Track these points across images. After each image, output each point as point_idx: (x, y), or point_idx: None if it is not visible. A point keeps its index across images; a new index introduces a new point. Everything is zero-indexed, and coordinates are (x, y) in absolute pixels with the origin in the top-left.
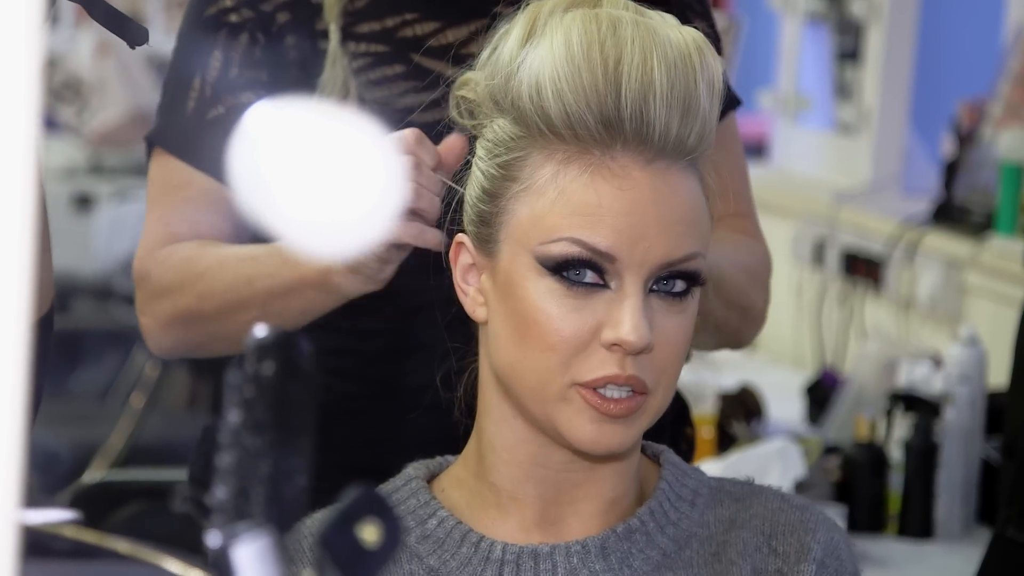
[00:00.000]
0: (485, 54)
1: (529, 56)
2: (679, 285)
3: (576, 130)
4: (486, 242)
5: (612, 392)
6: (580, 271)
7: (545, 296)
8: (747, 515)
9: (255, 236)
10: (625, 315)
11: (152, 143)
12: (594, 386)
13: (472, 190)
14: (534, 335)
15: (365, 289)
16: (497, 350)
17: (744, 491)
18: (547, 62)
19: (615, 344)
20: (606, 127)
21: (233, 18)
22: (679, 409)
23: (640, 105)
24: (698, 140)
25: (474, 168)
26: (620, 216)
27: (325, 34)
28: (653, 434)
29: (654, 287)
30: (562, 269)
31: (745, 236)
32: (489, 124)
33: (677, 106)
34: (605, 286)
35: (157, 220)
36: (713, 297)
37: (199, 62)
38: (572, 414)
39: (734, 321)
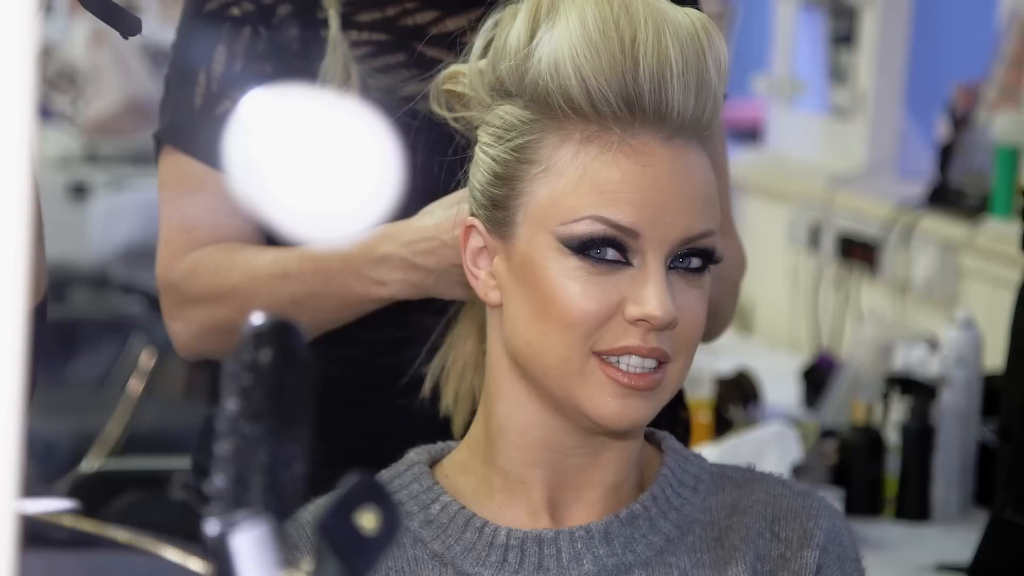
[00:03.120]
0: (478, 46)
1: (545, 37)
2: (695, 262)
3: (597, 107)
4: (500, 225)
5: (635, 367)
6: (602, 249)
7: (568, 275)
8: (749, 501)
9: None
10: (650, 291)
11: (161, 141)
12: (614, 355)
13: (480, 176)
14: (556, 312)
15: (422, 296)
16: (515, 331)
17: (745, 477)
18: (564, 41)
19: (640, 320)
20: (627, 103)
21: (235, 11)
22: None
23: (658, 81)
24: (711, 117)
25: (479, 155)
26: (641, 192)
27: (327, 23)
28: None
29: (672, 264)
30: (585, 248)
31: (724, 237)
32: (492, 111)
33: (692, 83)
34: (627, 263)
35: (177, 225)
36: None
37: (203, 57)
38: (594, 389)
39: None
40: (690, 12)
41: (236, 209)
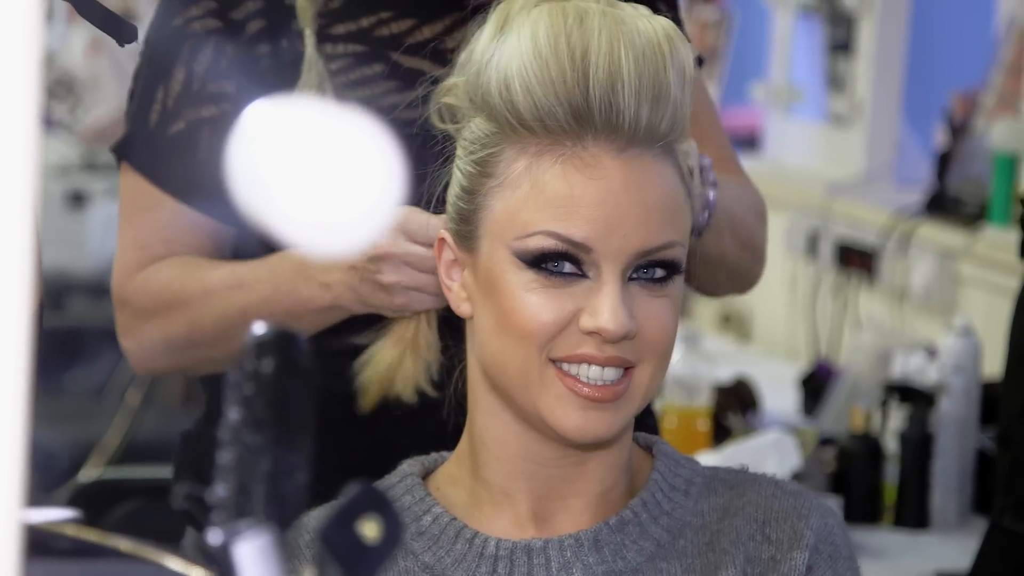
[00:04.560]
0: (463, 56)
1: (497, 52)
2: (658, 272)
3: (546, 122)
4: (466, 239)
5: (594, 378)
6: (558, 263)
7: (525, 287)
8: (740, 503)
9: (236, 249)
10: (604, 304)
11: (117, 156)
12: (569, 361)
13: (453, 189)
14: (514, 324)
15: (363, 310)
16: (481, 343)
17: (738, 479)
18: (514, 56)
19: (593, 331)
20: (576, 118)
21: (197, 27)
22: None
23: (608, 94)
24: (670, 127)
25: (454, 169)
26: (593, 206)
27: (301, 37)
28: None
29: (633, 275)
30: (540, 262)
31: (738, 176)
32: (467, 124)
33: (647, 94)
34: (583, 275)
35: (131, 242)
36: (729, 239)
37: (163, 74)
38: (555, 400)
39: (747, 261)
40: (653, 20)
41: (191, 227)
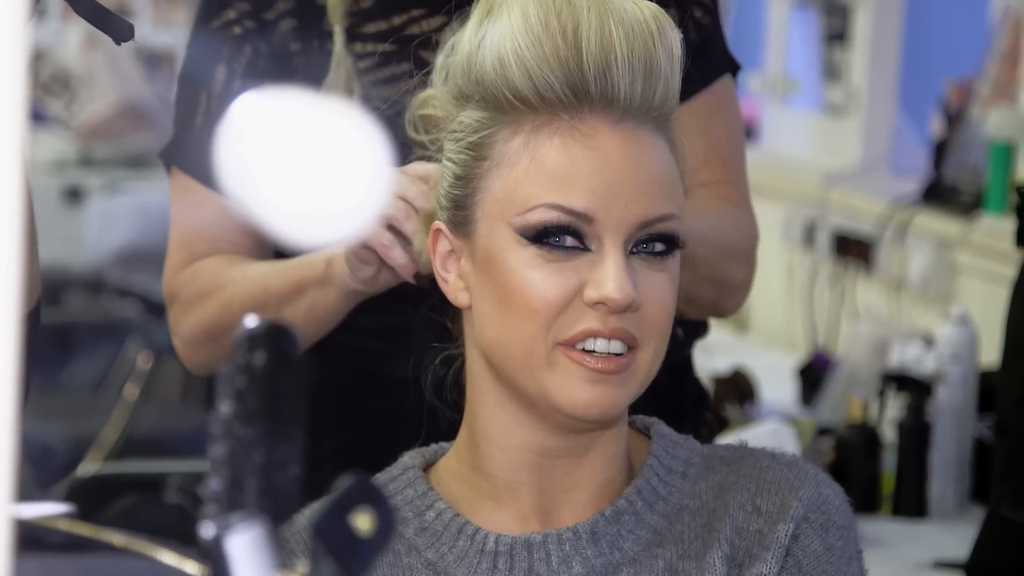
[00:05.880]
0: (440, 64)
1: (488, 32)
2: (658, 246)
3: (543, 95)
4: (462, 224)
5: (600, 350)
6: (560, 236)
7: (528, 264)
8: (735, 476)
9: (278, 247)
10: (608, 273)
11: (165, 160)
12: (576, 342)
13: (444, 181)
14: (518, 303)
15: (359, 287)
16: (482, 328)
17: (736, 454)
18: (507, 35)
19: (599, 303)
20: (572, 90)
21: (237, 30)
22: (699, 394)
23: (603, 66)
24: (663, 100)
25: (443, 164)
26: (593, 176)
27: (331, 35)
28: (674, 419)
29: (634, 249)
30: (542, 236)
31: (729, 205)
32: (455, 120)
33: (639, 67)
34: (586, 249)
35: (178, 241)
36: (686, 272)
37: (205, 77)
38: (562, 379)
39: (710, 293)
40: (640, 3)
41: (234, 225)
